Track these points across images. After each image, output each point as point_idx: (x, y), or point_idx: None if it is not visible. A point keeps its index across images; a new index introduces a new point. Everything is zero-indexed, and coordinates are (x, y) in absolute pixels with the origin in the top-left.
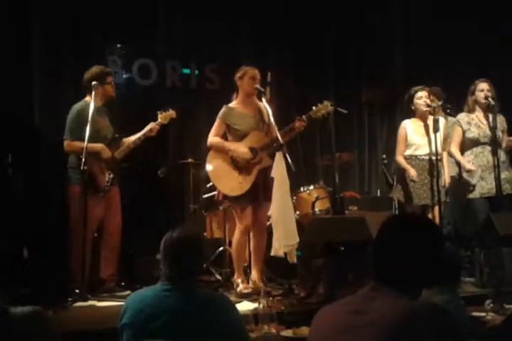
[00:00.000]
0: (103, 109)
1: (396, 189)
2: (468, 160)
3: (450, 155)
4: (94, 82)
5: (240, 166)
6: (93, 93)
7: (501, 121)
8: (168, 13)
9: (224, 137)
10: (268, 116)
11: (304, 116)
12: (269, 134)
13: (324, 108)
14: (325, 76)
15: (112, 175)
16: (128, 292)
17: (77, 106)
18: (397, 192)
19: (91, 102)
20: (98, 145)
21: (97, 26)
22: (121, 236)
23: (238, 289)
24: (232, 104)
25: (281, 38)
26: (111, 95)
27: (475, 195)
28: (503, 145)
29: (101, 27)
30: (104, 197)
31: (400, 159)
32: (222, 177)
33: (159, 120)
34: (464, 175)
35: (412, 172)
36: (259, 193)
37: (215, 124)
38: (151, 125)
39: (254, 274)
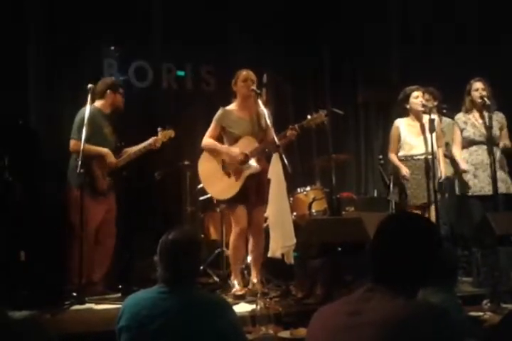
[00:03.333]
0: (110, 118)
1: (393, 191)
2: (463, 157)
3: (446, 156)
4: (108, 90)
5: (230, 170)
6: (89, 96)
7: (500, 118)
8: (163, 15)
9: (219, 139)
10: (265, 118)
11: (296, 125)
12: (260, 139)
13: (319, 118)
14: (322, 77)
15: (111, 181)
16: (118, 294)
17: (87, 110)
18: (395, 194)
19: (87, 106)
20: (104, 149)
21: (92, 28)
22: (119, 238)
23: (233, 290)
24: (229, 107)
25: (277, 39)
26: (120, 105)
27: (467, 192)
28: (500, 145)
29: (96, 29)
30: (104, 201)
31: (392, 157)
32: (212, 181)
33: (160, 136)
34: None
35: (404, 170)
36: (251, 196)
37: (211, 126)
38: (152, 139)
39: (254, 276)
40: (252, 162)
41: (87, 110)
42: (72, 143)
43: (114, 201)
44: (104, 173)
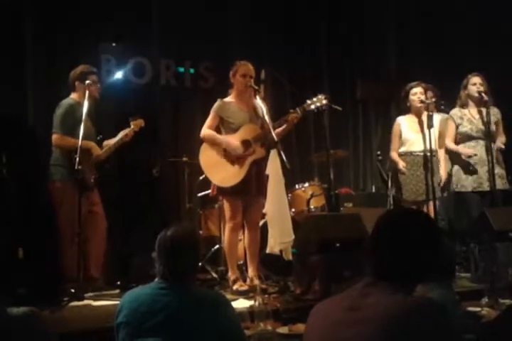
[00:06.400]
0: (88, 110)
1: (392, 187)
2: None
3: (446, 151)
4: (88, 81)
5: (233, 158)
6: (87, 92)
7: (495, 113)
8: (161, 12)
9: (217, 130)
10: (262, 113)
11: (297, 108)
12: (263, 128)
13: (318, 101)
14: (320, 73)
15: (97, 174)
16: (117, 291)
17: (68, 102)
18: (393, 190)
19: (85, 100)
20: (90, 143)
21: (90, 24)
22: (117, 235)
23: (234, 287)
24: (227, 99)
25: (275, 36)
26: (95, 95)
27: (466, 188)
28: (497, 143)
29: (95, 25)
30: (87, 195)
31: (393, 155)
32: (215, 168)
33: (132, 127)
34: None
35: (401, 163)
36: (252, 186)
37: (209, 117)
38: (126, 131)
39: (251, 271)
40: (256, 147)
41: (84, 106)
42: (56, 137)
43: (98, 195)
44: (90, 167)
